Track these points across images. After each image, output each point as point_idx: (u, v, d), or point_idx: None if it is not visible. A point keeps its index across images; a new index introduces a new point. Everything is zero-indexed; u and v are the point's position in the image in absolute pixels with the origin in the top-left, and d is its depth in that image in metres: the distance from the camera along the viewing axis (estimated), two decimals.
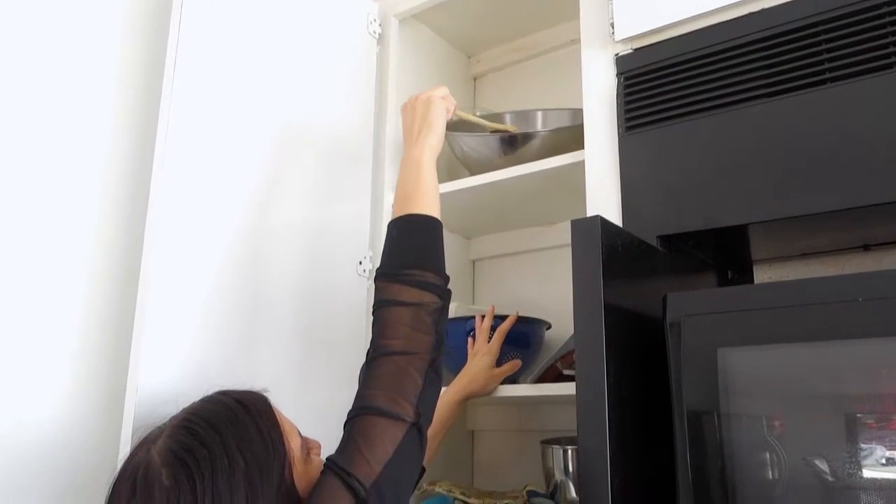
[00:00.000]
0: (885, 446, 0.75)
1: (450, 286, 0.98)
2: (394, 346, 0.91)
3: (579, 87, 1.20)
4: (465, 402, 1.25)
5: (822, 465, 0.77)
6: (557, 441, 1.25)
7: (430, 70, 1.62)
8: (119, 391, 0.98)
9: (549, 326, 1.41)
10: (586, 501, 0.81)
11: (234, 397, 0.87)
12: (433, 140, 1.11)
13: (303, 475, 0.86)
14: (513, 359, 1.29)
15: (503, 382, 1.27)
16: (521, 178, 1.30)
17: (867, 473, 0.75)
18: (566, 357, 1.26)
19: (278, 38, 1.25)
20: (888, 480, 0.75)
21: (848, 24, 0.95)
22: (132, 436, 0.90)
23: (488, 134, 1.40)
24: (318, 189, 1.29)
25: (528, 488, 1.30)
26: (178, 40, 1.07)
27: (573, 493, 1.21)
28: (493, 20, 1.63)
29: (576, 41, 1.27)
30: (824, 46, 0.96)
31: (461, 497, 1.29)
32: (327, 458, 0.85)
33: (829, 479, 0.77)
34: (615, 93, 1.15)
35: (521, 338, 1.34)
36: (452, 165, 1.59)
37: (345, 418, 0.88)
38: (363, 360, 0.93)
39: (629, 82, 1.13)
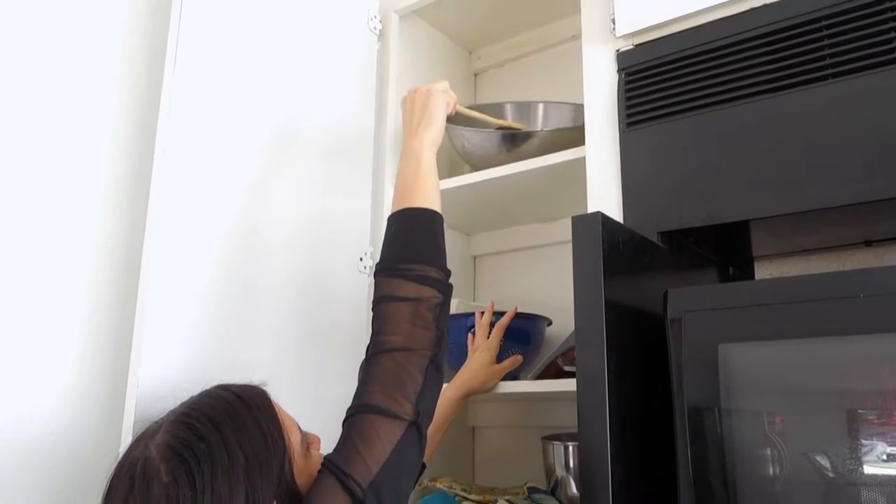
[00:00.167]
0: (887, 442, 0.75)
1: (451, 281, 0.97)
2: (393, 342, 0.90)
3: (580, 83, 1.20)
4: (466, 399, 1.25)
5: (823, 461, 0.77)
6: (558, 437, 1.25)
7: (431, 66, 1.62)
8: (119, 387, 0.98)
9: (550, 323, 1.41)
10: (587, 498, 0.81)
11: (233, 392, 0.86)
12: (433, 132, 1.10)
13: (303, 470, 0.85)
14: (513, 355, 1.29)
15: (504, 379, 1.27)
16: (522, 175, 1.30)
17: (868, 469, 0.75)
18: (567, 353, 1.26)
19: (279, 34, 1.25)
20: (889, 476, 0.75)
21: (850, 20, 0.95)
22: (132, 431, 0.90)
23: (490, 130, 1.39)
24: (319, 185, 1.29)
25: (528, 484, 1.30)
26: (179, 36, 1.07)
27: (574, 490, 1.21)
28: (493, 16, 1.63)
29: (577, 37, 1.27)
30: (826, 42, 0.96)
31: (462, 493, 1.29)
32: (325, 457, 0.84)
33: (830, 475, 0.77)
34: (616, 89, 1.14)
35: (522, 334, 1.34)
36: (454, 161, 1.59)
37: (344, 414, 0.87)
38: (363, 356, 0.93)
39: (630, 78, 1.13)
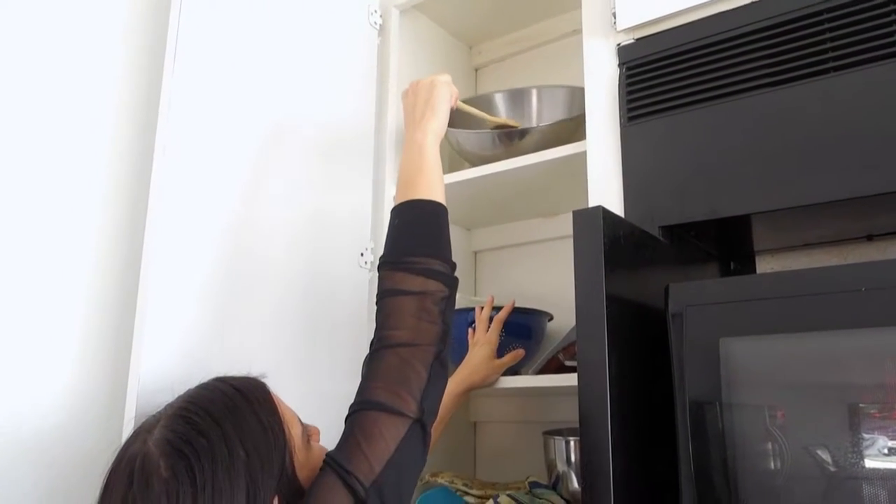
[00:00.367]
0: (888, 436, 0.75)
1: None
2: (398, 337, 0.88)
3: (581, 78, 1.20)
4: (467, 394, 1.25)
5: (825, 455, 0.77)
6: (559, 432, 1.25)
7: (431, 61, 1.62)
8: (120, 383, 0.98)
9: (551, 318, 1.41)
10: (588, 492, 0.81)
11: (232, 384, 0.84)
12: (436, 124, 1.08)
13: (304, 464, 0.84)
14: (514, 350, 1.28)
15: (505, 373, 1.27)
16: (523, 170, 1.29)
17: (869, 463, 0.75)
18: (568, 348, 1.26)
19: (279, 29, 1.24)
20: (890, 470, 0.75)
21: (851, 13, 0.94)
22: (133, 428, 0.90)
23: (485, 131, 1.39)
24: (319, 180, 1.29)
25: (530, 479, 1.30)
26: (178, 32, 1.07)
27: (575, 484, 1.21)
28: (494, 10, 1.63)
29: (577, 31, 1.27)
30: (828, 35, 0.96)
31: (463, 488, 1.29)
32: (327, 455, 0.83)
33: (832, 468, 0.77)
34: (617, 83, 1.14)
35: (523, 329, 1.34)
36: (454, 156, 1.59)
37: (346, 409, 0.86)
38: (365, 350, 0.92)
39: (631, 72, 1.12)
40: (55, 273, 1.08)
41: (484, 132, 1.38)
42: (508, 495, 1.22)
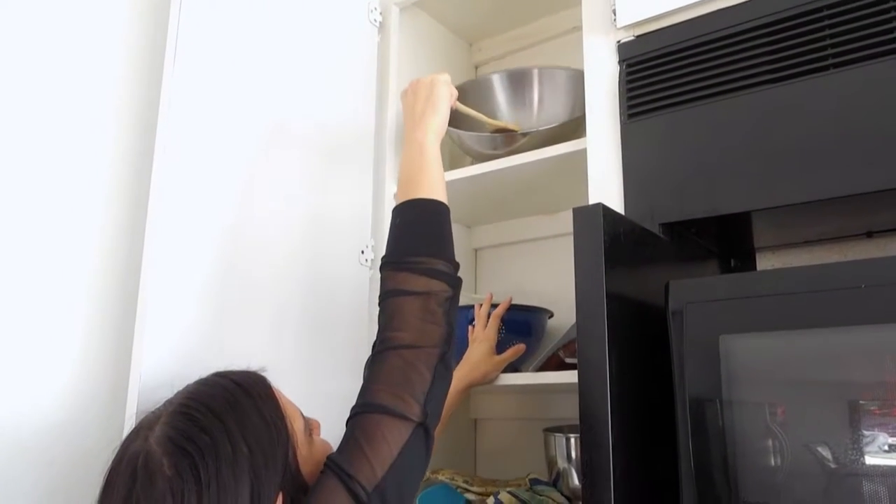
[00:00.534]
0: (888, 433, 0.75)
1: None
2: (401, 338, 0.87)
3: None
4: (468, 391, 1.25)
5: (825, 452, 0.77)
6: (560, 429, 1.25)
7: (432, 58, 1.62)
8: (121, 383, 0.98)
9: (552, 315, 1.41)
10: (589, 489, 0.81)
11: (232, 379, 0.83)
12: (437, 123, 1.07)
13: (307, 458, 0.83)
14: (515, 347, 1.28)
15: (505, 371, 1.27)
16: (523, 167, 1.29)
17: (870, 460, 0.75)
18: (568, 345, 1.26)
19: (279, 27, 1.24)
20: (890, 467, 0.75)
21: (851, 9, 0.94)
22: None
23: (485, 134, 1.39)
24: (319, 178, 1.29)
25: (530, 476, 1.30)
26: (178, 29, 1.07)
27: (576, 481, 1.21)
28: (494, 7, 1.62)
29: (578, 28, 1.27)
30: (827, 32, 0.96)
31: (464, 485, 1.29)
32: (328, 458, 0.81)
33: (832, 465, 0.77)
34: (617, 80, 1.14)
35: (524, 326, 1.34)
36: (454, 154, 1.59)
37: (346, 408, 0.86)
38: (366, 349, 0.91)
39: (631, 69, 1.12)
40: (56, 272, 1.08)
41: (484, 135, 1.38)
42: (509, 492, 1.22)
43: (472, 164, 1.39)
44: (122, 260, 1.14)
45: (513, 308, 1.32)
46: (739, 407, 0.83)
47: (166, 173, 1.03)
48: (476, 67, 1.79)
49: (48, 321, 1.06)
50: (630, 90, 1.12)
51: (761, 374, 0.84)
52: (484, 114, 1.40)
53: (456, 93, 1.17)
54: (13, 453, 0.99)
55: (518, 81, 1.50)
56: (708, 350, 0.84)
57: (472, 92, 1.46)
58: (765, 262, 1.27)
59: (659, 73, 1.09)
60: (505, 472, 1.43)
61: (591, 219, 0.88)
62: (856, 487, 0.76)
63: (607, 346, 0.83)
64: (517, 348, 1.27)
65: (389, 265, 0.93)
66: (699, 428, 0.83)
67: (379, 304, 0.92)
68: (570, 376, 1.10)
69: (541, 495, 1.24)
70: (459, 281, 0.94)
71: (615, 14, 1.15)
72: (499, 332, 1.29)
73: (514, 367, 1.32)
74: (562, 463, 1.23)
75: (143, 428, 0.77)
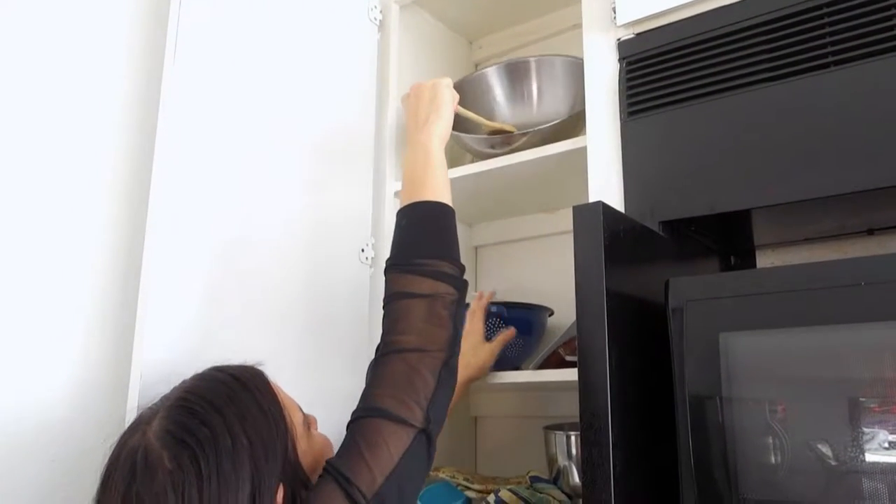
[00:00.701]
0: (888, 430, 0.75)
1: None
2: (406, 342, 0.86)
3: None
4: (467, 388, 1.24)
5: (825, 450, 0.78)
6: (560, 427, 1.25)
7: (432, 56, 1.61)
8: (122, 379, 0.98)
9: (552, 313, 1.41)
10: (589, 486, 0.81)
11: (230, 373, 0.83)
12: (442, 127, 1.06)
13: (307, 451, 0.83)
14: (514, 348, 1.28)
15: (506, 369, 1.27)
16: (523, 165, 1.29)
17: (870, 457, 0.75)
18: (569, 343, 1.26)
19: (279, 26, 1.24)
20: (890, 464, 0.75)
21: (851, 7, 0.94)
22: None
23: (483, 136, 1.38)
24: (319, 176, 1.29)
25: (531, 474, 1.30)
26: (178, 28, 1.07)
27: (576, 479, 1.21)
28: (494, 5, 1.62)
29: (577, 26, 1.27)
30: (827, 30, 0.96)
31: (464, 483, 1.29)
32: (327, 462, 0.81)
33: (832, 463, 0.77)
34: (617, 78, 1.14)
35: (524, 324, 1.34)
36: (454, 152, 1.59)
37: (347, 406, 0.85)
38: (366, 348, 0.91)
39: (631, 67, 1.12)
40: (57, 269, 1.08)
41: (482, 137, 1.38)
42: (510, 490, 1.22)
43: (473, 162, 1.39)
44: (123, 257, 1.14)
45: (513, 306, 1.32)
46: (739, 404, 0.83)
47: (166, 171, 1.03)
48: (476, 65, 1.79)
49: (49, 318, 1.06)
50: (630, 88, 1.12)
51: (761, 371, 0.84)
52: (482, 112, 1.40)
53: (458, 96, 1.16)
54: (14, 449, 0.99)
55: (515, 74, 1.49)
56: (708, 347, 0.84)
57: (469, 89, 1.46)
58: (765, 260, 1.27)
59: (659, 71, 1.09)
60: (505, 470, 1.43)
61: (591, 217, 0.88)
62: (856, 484, 0.76)
63: (607, 343, 0.83)
64: (507, 334, 1.25)
65: (395, 267, 0.92)
66: (699, 425, 0.83)
67: (384, 307, 0.91)
68: (571, 374, 1.10)
69: (541, 493, 1.24)
70: (465, 284, 0.93)
71: (615, 12, 1.15)
72: (483, 322, 1.28)
73: (514, 365, 1.32)
74: (562, 460, 1.23)
75: (141, 423, 0.77)
